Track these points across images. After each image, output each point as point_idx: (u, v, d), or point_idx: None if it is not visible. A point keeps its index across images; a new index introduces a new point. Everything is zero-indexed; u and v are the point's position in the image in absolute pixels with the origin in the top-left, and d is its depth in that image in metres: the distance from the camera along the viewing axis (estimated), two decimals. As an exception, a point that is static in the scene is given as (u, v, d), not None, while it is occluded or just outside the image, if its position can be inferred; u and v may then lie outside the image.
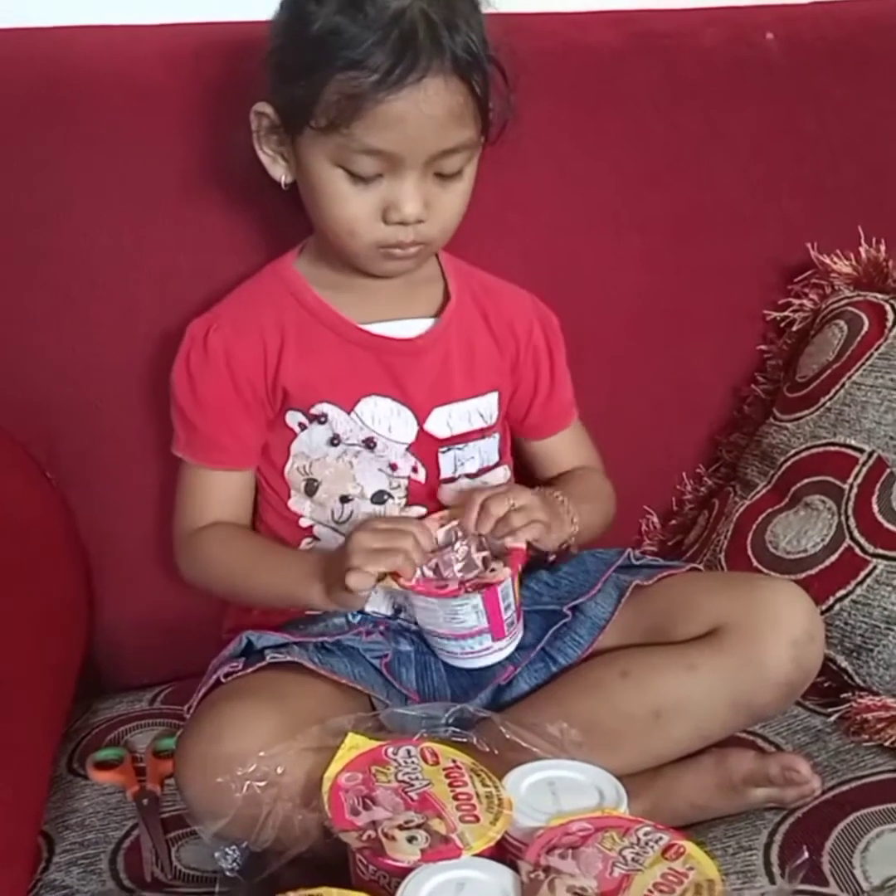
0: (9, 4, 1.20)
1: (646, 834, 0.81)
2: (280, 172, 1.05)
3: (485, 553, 1.01)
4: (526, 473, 1.21)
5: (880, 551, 1.16)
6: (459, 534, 1.02)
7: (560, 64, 1.29)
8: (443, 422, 1.09)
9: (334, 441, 1.07)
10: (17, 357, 1.17)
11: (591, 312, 1.30)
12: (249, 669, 0.96)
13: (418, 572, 0.98)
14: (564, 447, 1.21)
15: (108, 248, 1.17)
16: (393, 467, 1.09)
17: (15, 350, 1.17)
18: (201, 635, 1.15)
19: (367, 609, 1.08)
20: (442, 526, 1.04)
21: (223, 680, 0.96)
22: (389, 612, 1.09)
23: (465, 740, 0.89)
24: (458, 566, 1.00)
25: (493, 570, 0.99)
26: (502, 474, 1.15)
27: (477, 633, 1.00)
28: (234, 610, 1.16)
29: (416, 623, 1.05)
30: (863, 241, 1.36)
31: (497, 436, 1.15)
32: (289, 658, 0.97)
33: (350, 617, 1.07)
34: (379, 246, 1.02)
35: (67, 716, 1.11)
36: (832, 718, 1.13)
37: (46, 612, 1.05)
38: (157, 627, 1.22)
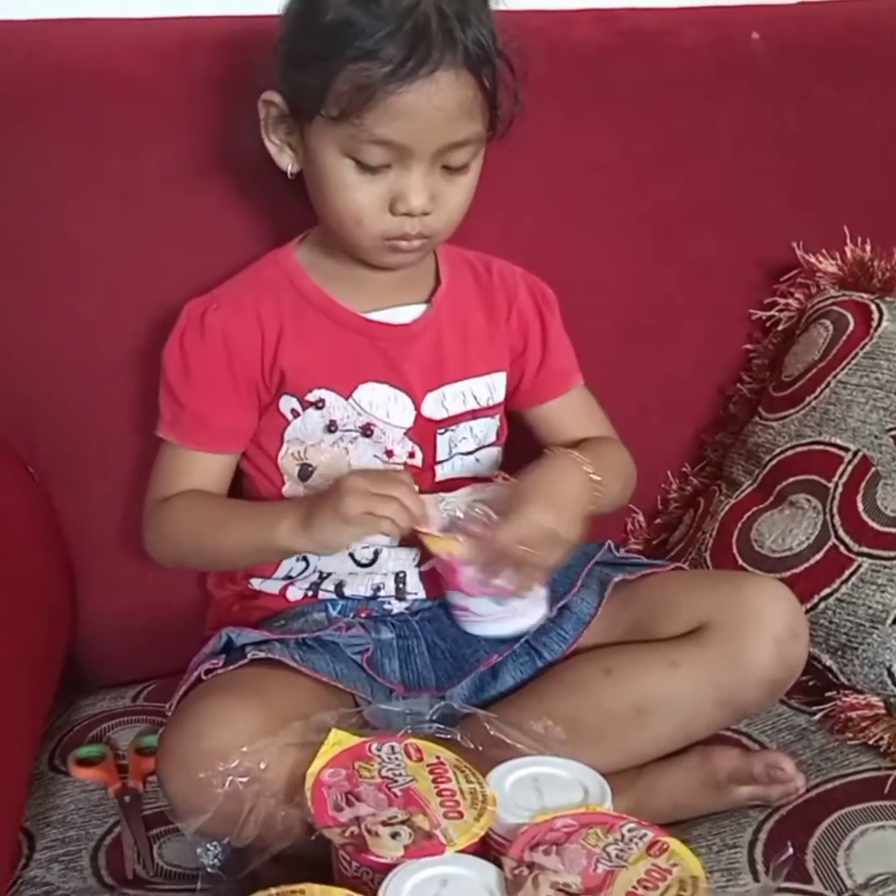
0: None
1: (630, 830, 0.81)
2: (287, 162, 1.05)
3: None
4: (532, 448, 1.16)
5: (865, 550, 1.16)
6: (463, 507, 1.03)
7: (545, 61, 1.28)
8: (438, 403, 1.10)
9: (331, 428, 1.07)
10: (-1, 351, 1.16)
11: (576, 310, 1.29)
12: (231, 667, 0.95)
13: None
14: (567, 413, 1.18)
15: (91, 243, 1.16)
16: (389, 454, 1.09)
17: (-3, 344, 1.16)
18: (184, 632, 1.14)
19: (347, 593, 1.09)
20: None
21: (204, 677, 0.95)
22: (369, 594, 1.09)
23: (449, 737, 0.90)
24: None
25: None
26: (496, 454, 1.16)
27: (491, 592, 1.02)
28: (217, 606, 1.15)
29: (460, 607, 1.05)
30: (848, 241, 1.36)
31: (497, 416, 1.15)
32: (270, 655, 0.96)
33: (330, 611, 1.07)
34: (385, 237, 1.02)
35: (49, 712, 1.11)
36: (817, 717, 1.14)
37: (28, 607, 1.05)
38: (140, 624, 1.22)
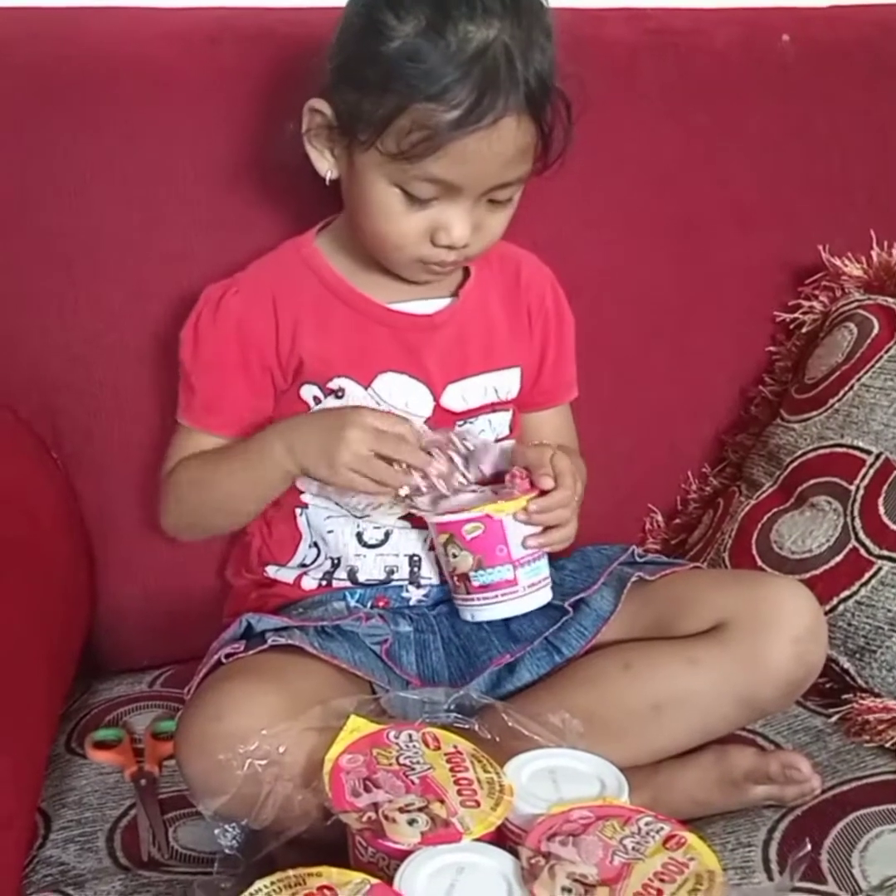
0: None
1: (647, 824, 0.81)
2: (326, 168, 1.04)
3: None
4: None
5: (886, 553, 1.16)
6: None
7: (574, 59, 1.28)
8: (458, 396, 1.10)
9: None
10: (24, 336, 1.17)
11: (600, 310, 1.30)
12: (251, 651, 0.96)
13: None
14: (555, 423, 1.20)
15: (118, 229, 1.17)
16: None
17: (22, 328, 1.17)
18: (202, 619, 1.15)
19: (361, 579, 1.09)
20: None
21: (224, 661, 0.96)
22: (383, 576, 1.10)
23: (467, 727, 0.89)
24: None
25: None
26: (511, 448, 1.15)
27: (539, 554, 1.03)
28: (234, 595, 1.16)
29: (459, 584, 1.05)
30: (874, 245, 1.36)
31: (511, 410, 1.15)
32: (290, 641, 0.97)
33: (349, 600, 1.08)
34: (422, 261, 1.02)
35: (67, 694, 1.11)
36: (833, 719, 1.13)
37: (48, 590, 1.05)
38: (158, 610, 1.22)
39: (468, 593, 1.04)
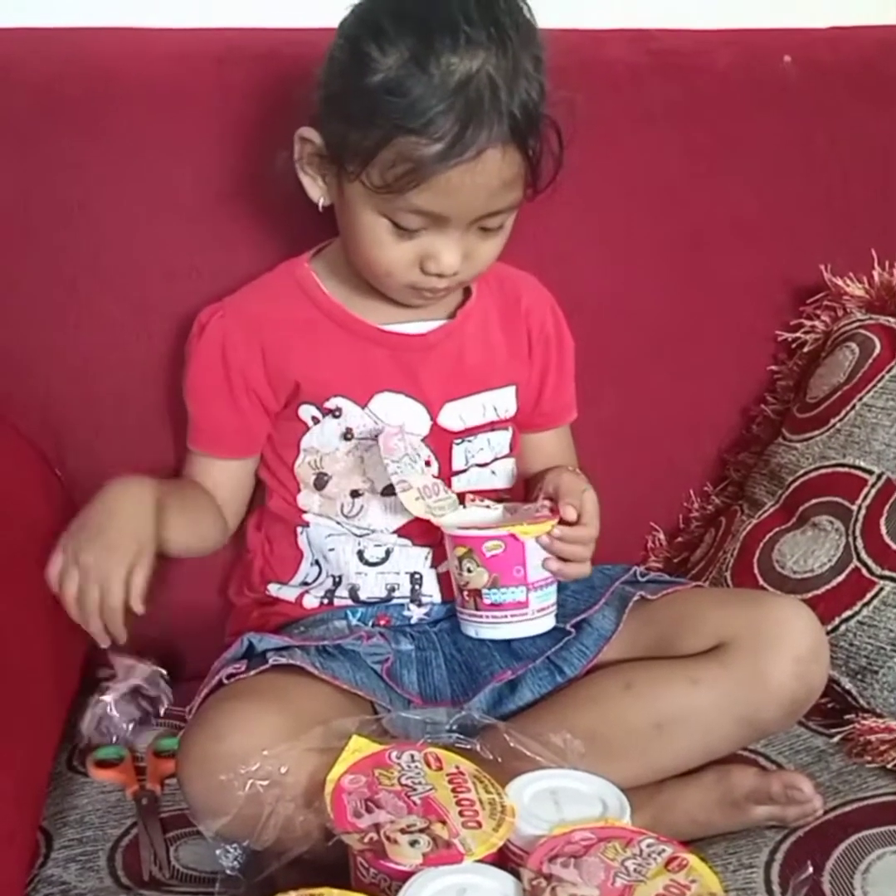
0: (32, 4, 1.21)
1: (649, 845, 0.81)
2: (319, 195, 1.04)
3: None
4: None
5: (888, 573, 1.16)
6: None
7: (577, 80, 1.29)
8: (455, 415, 1.10)
9: (347, 435, 1.08)
10: (26, 352, 1.18)
11: (602, 328, 1.30)
12: (252, 671, 0.96)
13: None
14: (555, 444, 1.21)
15: (122, 247, 1.18)
16: None
17: (25, 345, 1.17)
18: (204, 638, 1.15)
19: (362, 596, 1.10)
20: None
21: (226, 681, 0.96)
22: (383, 594, 1.10)
23: (468, 747, 0.89)
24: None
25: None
26: (511, 466, 1.17)
27: (552, 579, 1.04)
28: (236, 614, 1.16)
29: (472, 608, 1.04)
30: (876, 265, 1.36)
31: (510, 429, 1.16)
32: (291, 661, 0.97)
33: (351, 619, 1.09)
34: (413, 287, 1.03)
35: (69, 713, 1.11)
36: (835, 739, 1.13)
37: (50, 609, 1.05)
38: (159, 628, 1.21)
39: (477, 609, 1.04)
